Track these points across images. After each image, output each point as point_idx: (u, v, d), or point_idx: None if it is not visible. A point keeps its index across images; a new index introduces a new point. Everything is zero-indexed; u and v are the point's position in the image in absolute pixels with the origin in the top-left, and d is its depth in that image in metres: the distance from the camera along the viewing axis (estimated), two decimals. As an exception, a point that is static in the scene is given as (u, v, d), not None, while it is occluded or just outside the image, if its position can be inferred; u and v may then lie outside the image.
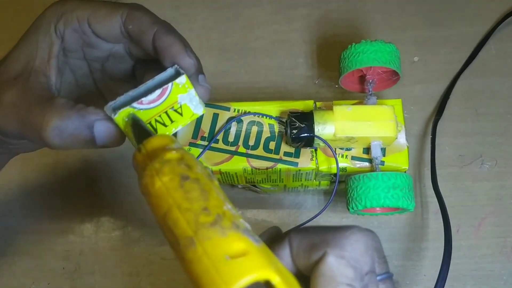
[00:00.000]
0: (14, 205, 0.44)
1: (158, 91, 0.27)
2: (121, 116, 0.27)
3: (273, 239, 0.25)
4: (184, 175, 0.22)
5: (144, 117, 0.28)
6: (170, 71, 0.28)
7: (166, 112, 0.28)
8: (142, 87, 0.28)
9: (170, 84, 0.27)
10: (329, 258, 0.22)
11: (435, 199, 0.42)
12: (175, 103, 0.28)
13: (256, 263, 0.20)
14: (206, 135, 0.36)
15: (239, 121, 0.36)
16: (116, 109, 0.27)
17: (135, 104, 0.27)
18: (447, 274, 0.32)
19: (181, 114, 0.29)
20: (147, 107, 0.27)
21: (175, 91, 0.28)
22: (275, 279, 0.19)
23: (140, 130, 0.26)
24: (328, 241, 0.22)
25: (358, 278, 0.22)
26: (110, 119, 0.27)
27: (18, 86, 0.28)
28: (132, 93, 0.27)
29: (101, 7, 0.29)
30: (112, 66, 0.32)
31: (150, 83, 0.28)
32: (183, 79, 0.27)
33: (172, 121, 0.29)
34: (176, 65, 0.28)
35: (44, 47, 0.29)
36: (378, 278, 0.24)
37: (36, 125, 0.27)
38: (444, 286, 0.32)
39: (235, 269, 0.19)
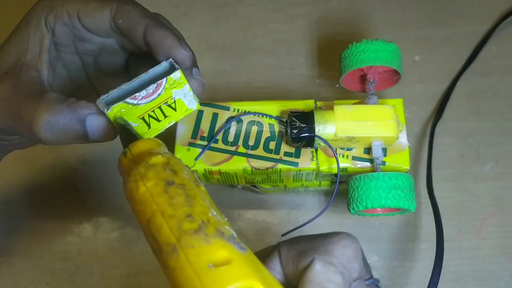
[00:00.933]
0: (13, 205, 0.44)
1: (152, 86, 0.27)
2: (113, 111, 0.27)
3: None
4: (169, 180, 0.21)
5: (137, 112, 0.27)
6: (164, 65, 0.28)
7: (159, 107, 0.28)
8: (135, 81, 0.27)
9: (164, 79, 0.27)
10: (317, 264, 0.21)
11: (436, 200, 0.42)
12: (169, 98, 0.28)
13: (239, 272, 0.19)
14: (205, 135, 0.35)
15: (239, 121, 0.36)
16: (109, 104, 0.26)
17: (128, 100, 0.27)
18: (438, 278, 0.32)
19: (175, 109, 0.29)
20: (141, 102, 0.27)
21: (169, 86, 0.27)
22: (259, 287, 0.19)
23: (127, 134, 0.26)
24: (317, 248, 0.22)
25: (346, 285, 0.21)
26: (103, 113, 0.27)
27: (9, 81, 0.27)
28: (125, 86, 0.27)
29: (91, 1, 0.29)
30: (105, 60, 0.32)
31: (143, 76, 0.27)
32: (178, 74, 0.27)
33: (165, 116, 0.29)
34: (171, 59, 0.27)
35: (35, 41, 0.29)
36: (366, 283, 0.24)
37: (27, 120, 0.26)
38: None
39: (218, 277, 0.19)
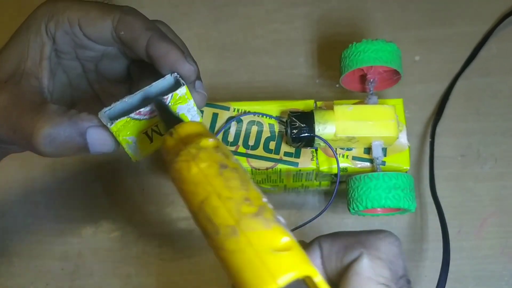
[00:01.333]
0: (13, 205, 0.44)
1: None
2: (117, 126, 0.26)
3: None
4: (222, 163, 0.21)
5: (141, 126, 0.27)
6: (169, 78, 0.27)
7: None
8: (138, 94, 0.27)
9: (170, 95, 0.26)
10: (365, 258, 0.21)
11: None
12: None
13: (299, 258, 0.19)
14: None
15: (239, 121, 0.36)
16: (112, 118, 0.26)
17: (133, 115, 0.26)
18: (445, 284, 0.32)
19: None
20: (145, 117, 0.27)
21: (174, 102, 0.27)
22: (317, 276, 0.19)
23: (169, 115, 0.25)
24: (363, 243, 0.22)
25: (394, 280, 0.21)
26: (104, 126, 0.26)
27: (9, 89, 0.27)
28: (128, 99, 0.26)
29: (92, 9, 0.28)
30: (106, 66, 0.32)
31: (147, 89, 0.27)
32: (183, 90, 0.27)
33: None
34: (176, 74, 0.27)
35: (35, 48, 0.28)
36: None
37: (27, 132, 0.26)
38: None
39: (282, 262, 0.19)
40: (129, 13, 0.28)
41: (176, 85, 0.27)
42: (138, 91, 0.27)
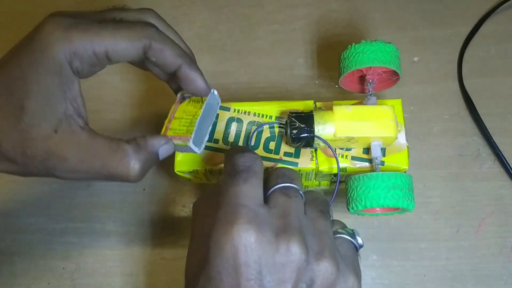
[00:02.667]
0: (14, 204, 0.44)
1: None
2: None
3: None
4: None
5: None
6: (213, 96, 0.32)
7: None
8: (202, 112, 0.31)
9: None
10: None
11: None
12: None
13: None
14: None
15: (239, 121, 0.36)
16: (197, 144, 0.31)
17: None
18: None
19: None
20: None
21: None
22: None
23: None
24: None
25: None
26: (169, 140, 0.31)
27: (65, 139, 0.27)
28: (198, 121, 0.31)
29: (121, 37, 0.28)
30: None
31: (204, 107, 0.31)
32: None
33: None
34: (215, 92, 0.32)
35: (68, 89, 0.27)
36: (337, 236, 0.28)
37: (123, 174, 0.28)
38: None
39: None
40: (160, 41, 0.29)
41: (217, 104, 0.33)
42: (201, 112, 0.31)
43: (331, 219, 0.29)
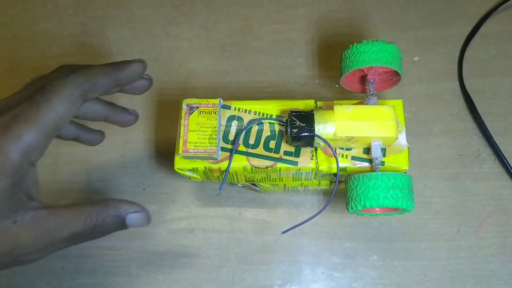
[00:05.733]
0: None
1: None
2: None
3: None
4: None
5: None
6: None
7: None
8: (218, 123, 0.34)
9: None
10: None
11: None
12: None
13: None
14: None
15: (240, 120, 0.36)
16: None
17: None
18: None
19: None
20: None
21: None
22: None
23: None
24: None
25: None
26: (140, 208, 0.33)
27: (25, 225, 0.29)
28: (219, 134, 0.34)
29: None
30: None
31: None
32: None
33: None
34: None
35: (23, 181, 0.30)
36: None
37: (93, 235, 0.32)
38: None
39: None
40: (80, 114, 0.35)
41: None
42: (217, 124, 0.34)
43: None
